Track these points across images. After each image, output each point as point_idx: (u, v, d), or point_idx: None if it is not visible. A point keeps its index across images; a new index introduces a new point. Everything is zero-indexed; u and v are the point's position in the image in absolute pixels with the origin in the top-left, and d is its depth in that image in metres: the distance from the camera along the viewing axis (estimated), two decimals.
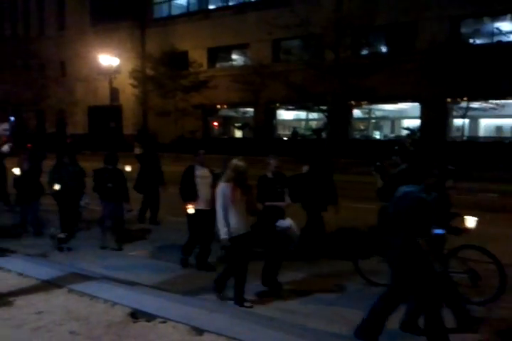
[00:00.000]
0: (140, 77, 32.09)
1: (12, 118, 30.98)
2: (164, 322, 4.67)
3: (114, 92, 32.45)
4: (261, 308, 5.25)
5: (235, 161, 5.46)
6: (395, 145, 6.74)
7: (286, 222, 6.41)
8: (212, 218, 5.85)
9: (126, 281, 6.11)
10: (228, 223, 5.27)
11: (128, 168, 8.96)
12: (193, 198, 6.67)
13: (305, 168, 7.52)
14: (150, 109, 32.78)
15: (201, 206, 6.67)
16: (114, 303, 5.16)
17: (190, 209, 6.64)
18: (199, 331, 4.44)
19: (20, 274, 6.30)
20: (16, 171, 9.17)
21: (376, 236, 6.35)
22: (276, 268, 5.96)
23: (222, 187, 5.37)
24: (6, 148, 11.66)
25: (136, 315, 4.87)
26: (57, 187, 8.39)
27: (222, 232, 5.23)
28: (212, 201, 6.12)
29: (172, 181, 8.87)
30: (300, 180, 7.33)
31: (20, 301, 5.32)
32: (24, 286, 5.83)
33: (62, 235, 7.83)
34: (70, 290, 5.62)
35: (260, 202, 6.10)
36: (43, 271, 6.39)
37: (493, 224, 5.86)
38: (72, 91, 37.57)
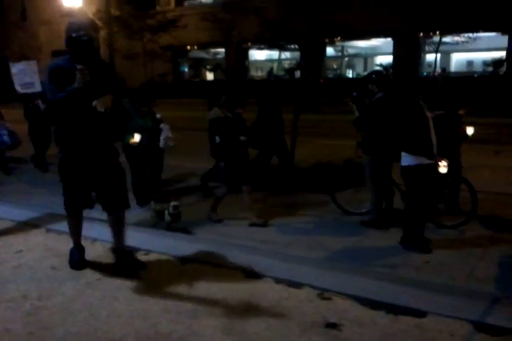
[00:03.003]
0: (105, 18, 30.60)
1: None
2: (147, 254, 4.69)
3: None
4: (241, 240, 5.30)
5: None
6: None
7: None
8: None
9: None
10: None
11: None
12: (431, 150, 4.82)
13: None
14: (117, 51, 31.54)
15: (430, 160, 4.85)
16: (94, 240, 5.14)
17: (443, 168, 4.83)
18: (183, 260, 4.49)
19: None
20: None
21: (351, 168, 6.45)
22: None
23: None
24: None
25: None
26: (137, 138, 6.20)
27: None
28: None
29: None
30: None
31: None
32: (0, 228, 5.76)
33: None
34: (48, 230, 5.57)
35: None
36: (18, 213, 6.28)
37: (465, 154, 5.97)
38: (34, 36, 35.94)
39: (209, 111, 7.00)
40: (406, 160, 4.91)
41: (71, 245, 5.05)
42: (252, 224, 5.78)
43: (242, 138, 5.90)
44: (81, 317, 3.55)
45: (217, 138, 6.06)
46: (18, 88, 9.56)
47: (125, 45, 29.77)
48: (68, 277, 4.25)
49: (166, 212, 5.53)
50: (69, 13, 30.08)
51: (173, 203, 5.53)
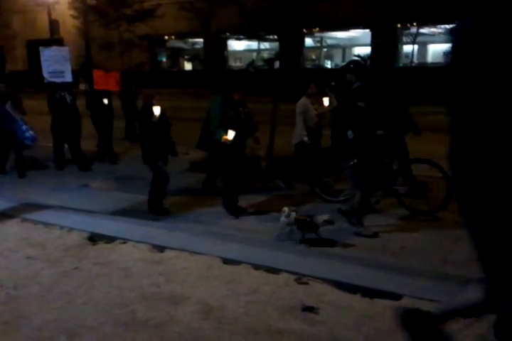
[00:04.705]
0: (81, 7, 30.12)
1: None
2: (124, 242, 4.67)
3: (54, 25, 30.54)
4: (218, 228, 5.29)
5: None
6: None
7: None
8: None
9: (84, 210, 6.00)
10: None
11: None
12: None
13: None
14: (93, 41, 31.13)
15: None
16: (71, 229, 5.09)
17: None
18: (160, 248, 4.48)
19: None
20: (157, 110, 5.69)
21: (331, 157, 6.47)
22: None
23: None
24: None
25: (94, 238, 4.85)
26: (231, 135, 5.36)
27: None
28: None
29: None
30: None
31: None
32: None
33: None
34: (24, 220, 5.50)
35: None
36: None
37: (442, 143, 5.99)
38: (8, 25, 35.03)
39: (298, 100, 6.74)
40: None
41: (47, 235, 5.01)
42: (357, 234, 4.93)
43: (380, 132, 4.98)
44: (57, 305, 3.53)
45: (350, 133, 4.91)
46: (46, 75, 8.56)
47: (101, 34, 29.25)
48: (44, 266, 4.21)
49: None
50: (42, 2, 29.54)
51: (325, 217, 4.77)
